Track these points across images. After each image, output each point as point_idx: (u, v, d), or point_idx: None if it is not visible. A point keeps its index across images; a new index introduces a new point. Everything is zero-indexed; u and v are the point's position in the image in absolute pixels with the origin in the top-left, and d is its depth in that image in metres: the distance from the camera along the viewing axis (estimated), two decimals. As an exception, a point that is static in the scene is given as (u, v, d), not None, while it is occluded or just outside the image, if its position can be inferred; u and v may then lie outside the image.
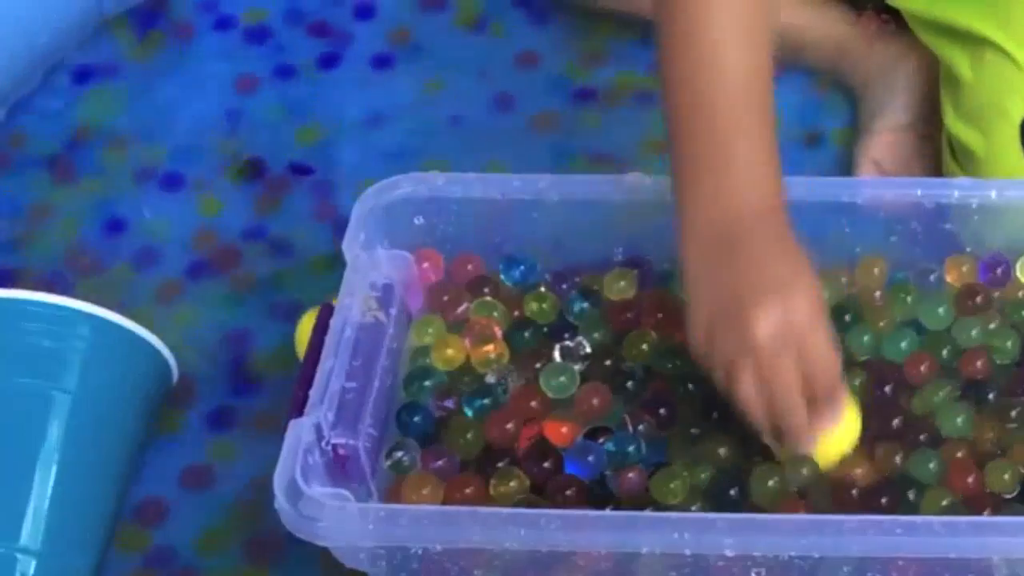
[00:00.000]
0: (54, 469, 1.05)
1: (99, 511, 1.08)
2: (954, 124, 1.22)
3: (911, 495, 0.99)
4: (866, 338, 1.08)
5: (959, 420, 1.03)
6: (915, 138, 1.28)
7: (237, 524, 1.13)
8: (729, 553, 0.92)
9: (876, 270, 1.11)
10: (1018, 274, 1.10)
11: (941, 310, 1.09)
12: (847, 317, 1.09)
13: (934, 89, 1.27)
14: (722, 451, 1.02)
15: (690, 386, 1.06)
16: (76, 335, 1.08)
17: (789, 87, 1.38)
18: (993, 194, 1.08)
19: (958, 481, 1.00)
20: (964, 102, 1.22)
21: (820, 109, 1.38)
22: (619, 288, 1.12)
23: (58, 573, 1.04)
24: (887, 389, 1.06)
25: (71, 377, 1.07)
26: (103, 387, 1.08)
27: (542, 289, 1.13)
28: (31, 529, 1.03)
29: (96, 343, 1.08)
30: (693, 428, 1.04)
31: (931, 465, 1.01)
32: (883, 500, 0.98)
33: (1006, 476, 1.00)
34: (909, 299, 1.10)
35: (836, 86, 1.38)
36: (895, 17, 1.31)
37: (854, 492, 0.99)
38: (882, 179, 1.25)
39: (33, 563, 1.03)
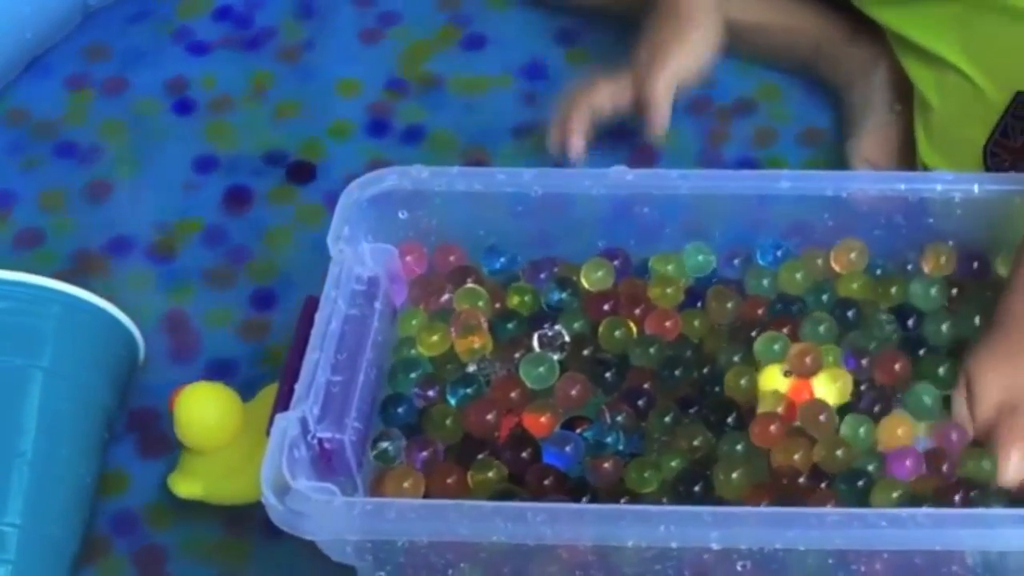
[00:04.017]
0: (32, 443, 1.06)
1: (77, 483, 1.09)
2: (924, 150, 1.23)
3: (861, 483, 1.00)
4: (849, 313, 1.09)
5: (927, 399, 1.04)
6: (902, 132, 1.29)
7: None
8: (715, 546, 0.92)
9: (853, 254, 1.11)
10: (998, 269, 1.10)
11: (933, 291, 1.09)
12: (824, 296, 1.10)
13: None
14: (696, 442, 1.02)
15: (666, 375, 1.07)
16: (47, 312, 1.09)
17: (786, 83, 1.40)
18: (975, 188, 1.08)
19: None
20: (932, 127, 1.23)
21: (817, 106, 1.39)
22: (596, 278, 1.12)
23: (39, 545, 1.05)
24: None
25: (44, 353, 1.08)
26: (75, 362, 1.10)
27: (522, 280, 1.13)
28: (12, 503, 1.04)
29: (66, 319, 1.10)
30: (667, 418, 1.04)
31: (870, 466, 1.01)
32: (823, 484, 1.00)
33: (985, 464, 1.00)
34: (894, 289, 1.10)
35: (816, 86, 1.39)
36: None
37: (800, 480, 1.00)
38: (866, 173, 1.26)
39: (15, 536, 1.03)
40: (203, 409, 1.08)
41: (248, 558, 1.11)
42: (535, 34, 1.45)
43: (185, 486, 1.10)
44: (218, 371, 1.20)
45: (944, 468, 1.00)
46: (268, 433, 0.96)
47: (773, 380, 1.05)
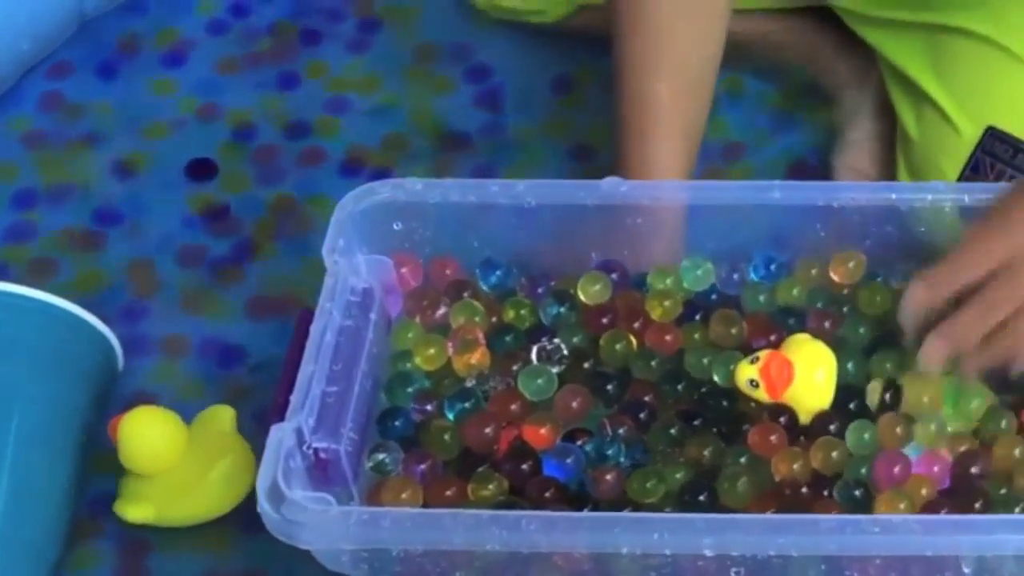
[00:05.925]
0: (10, 450, 1.05)
1: (57, 490, 1.09)
2: (903, 177, 1.24)
3: (858, 493, 1.00)
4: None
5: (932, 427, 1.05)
6: (889, 145, 1.29)
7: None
8: (708, 553, 0.92)
9: (852, 263, 1.12)
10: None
11: None
12: (819, 304, 1.10)
13: None
14: (706, 452, 1.02)
15: (668, 388, 1.07)
16: (24, 320, 1.09)
17: (763, 102, 1.40)
18: (966, 198, 1.08)
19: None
20: (910, 156, 1.24)
21: (794, 123, 1.39)
22: (594, 292, 1.13)
23: (18, 550, 1.05)
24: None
25: (21, 361, 1.08)
26: (53, 370, 1.09)
27: (519, 295, 1.13)
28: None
29: (43, 327, 1.09)
30: (671, 430, 1.04)
31: (863, 470, 1.02)
32: (824, 492, 1.00)
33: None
34: (879, 298, 1.10)
35: (809, 97, 1.40)
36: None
37: (803, 490, 1.00)
38: (856, 183, 1.26)
39: None
40: (147, 433, 1.08)
41: (232, 547, 1.11)
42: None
43: (136, 510, 1.09)
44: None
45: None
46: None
47: (747, 372, 1.04)
